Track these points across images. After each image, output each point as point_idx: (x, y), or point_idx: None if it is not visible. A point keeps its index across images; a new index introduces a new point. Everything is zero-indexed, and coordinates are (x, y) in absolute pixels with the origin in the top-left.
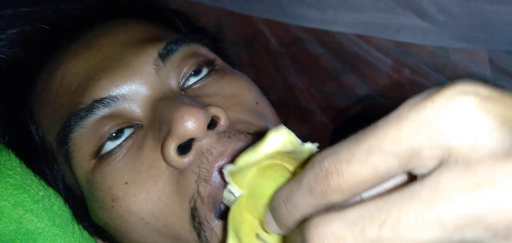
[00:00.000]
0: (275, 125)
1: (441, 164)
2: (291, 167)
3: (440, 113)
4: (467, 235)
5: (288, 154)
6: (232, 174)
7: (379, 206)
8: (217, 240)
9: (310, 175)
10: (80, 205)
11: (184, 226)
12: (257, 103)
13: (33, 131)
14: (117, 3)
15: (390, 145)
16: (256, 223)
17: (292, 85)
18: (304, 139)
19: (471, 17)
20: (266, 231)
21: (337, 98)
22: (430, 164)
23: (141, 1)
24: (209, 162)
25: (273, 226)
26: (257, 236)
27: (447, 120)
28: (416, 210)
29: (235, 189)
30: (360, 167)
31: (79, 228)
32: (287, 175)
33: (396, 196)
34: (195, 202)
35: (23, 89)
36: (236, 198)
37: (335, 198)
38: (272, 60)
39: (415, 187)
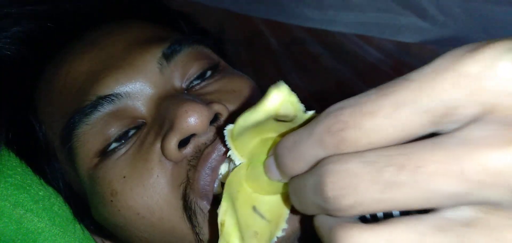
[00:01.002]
0: None
1: (475, 120)
2: None
3: (489, 67)
4: (487, 194)
5: (291, 122)
6: (234, 139)
7: (400, 151)
8: (208, 226)
9: (323, 125)
10: (81, 203)
11: (178, 215)
12: (257, 98)
13: (37, 128)
14: (121, 4)
15: (425, 98)
16: (253, 195)
17: (292, 85)
18: None
19: (471, 17)
20: (260, 209)
21: (337, 98)
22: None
23: (146, 2)
24: (201, 151)
25: (274, 172)
26: (254, 208)
27: (496, 75)
28: (438, 160)
29: (235, 156)
30: (383, 122)
31: (80, 227)
32: None
33: (419, 144)
34: (185, 188)
35: (28, 87)
36: (235, 166)
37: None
38: (272, 60)
39: (442, 138)
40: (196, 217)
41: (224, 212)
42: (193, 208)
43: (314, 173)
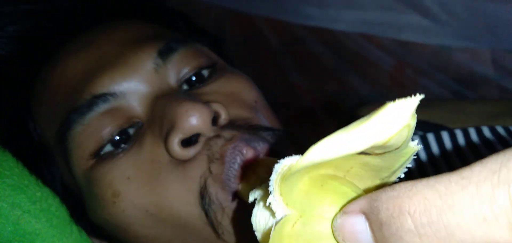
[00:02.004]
0: (273, 126)
1: None
2: (372, 180)
3: None
4: None
5: (369, 156)
6: (284, 180)
7: None
8: (227, 220)
9: None
10: (78, 204)
11: (192, 210)
12: (255, 102)
13: (31, 129)
14: (118, 3)
15: None
16: None
17: (293, 85)
18: (305, 140)
19: (474, 15)
20: None
21: (339, 97)
22: None
23: (142, 1)
24: (218, 145)
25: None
26: None
27: None
28: None
29: (278, 206)
30: None
31: (77, 229)
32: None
33: None
34: (205, 180)
35: (23, 87)
36: (277, 221)
37: None
38: (272, 60)
39: None
40: (215, 211)
41: None
42: (213, 199)
43: None
